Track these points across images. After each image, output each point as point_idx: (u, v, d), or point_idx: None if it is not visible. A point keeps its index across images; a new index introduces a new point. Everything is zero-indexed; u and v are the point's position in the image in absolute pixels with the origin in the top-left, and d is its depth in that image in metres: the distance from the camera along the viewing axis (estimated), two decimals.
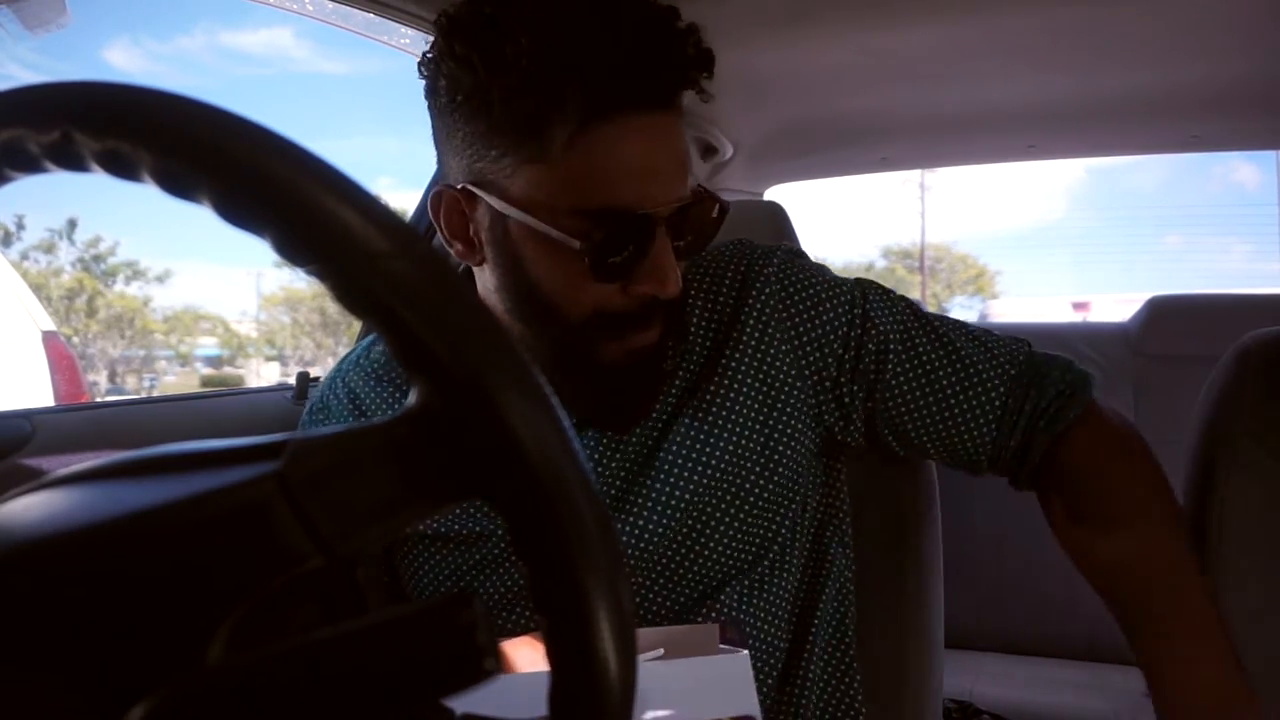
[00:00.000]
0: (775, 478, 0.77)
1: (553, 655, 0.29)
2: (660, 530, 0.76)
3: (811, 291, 0.79)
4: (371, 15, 1.20)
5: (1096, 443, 0.76)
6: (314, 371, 1.34)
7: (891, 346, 0.77)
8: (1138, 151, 2.15)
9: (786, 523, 0.79)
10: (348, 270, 0.28)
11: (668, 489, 0.76)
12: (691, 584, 0.77)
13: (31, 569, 0.28)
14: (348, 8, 1.18)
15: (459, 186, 0.70)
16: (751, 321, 0.78)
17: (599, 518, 0.29)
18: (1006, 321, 2.36)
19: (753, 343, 0.78)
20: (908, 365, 0.77)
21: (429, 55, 0.70)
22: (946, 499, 1.01)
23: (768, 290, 0.79)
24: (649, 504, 0.76)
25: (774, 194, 2.06)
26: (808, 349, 0.78)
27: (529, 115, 0.65)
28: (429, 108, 0.72)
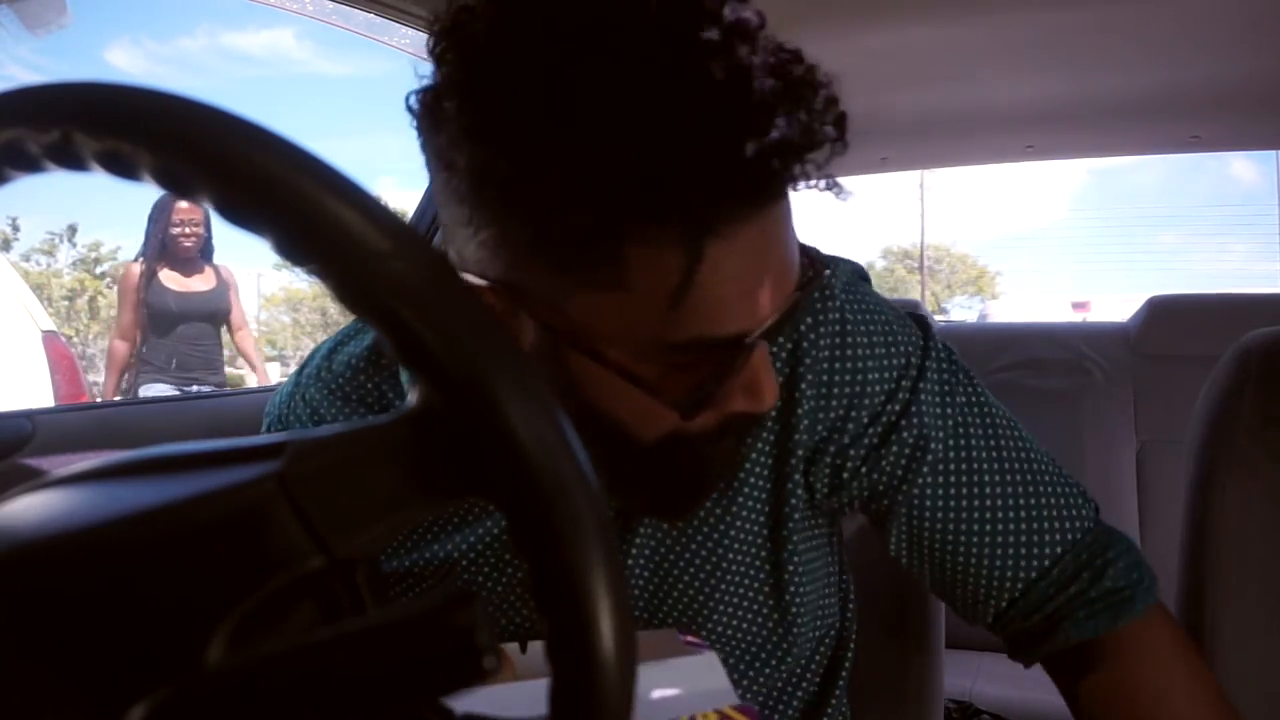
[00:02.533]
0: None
1: (553, 655, 0.29)
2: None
3: (866, 343, 0.64)
4: (372, 15, 1.21)
5: (1154, 657, 0.64)
6: None
7: (933, 448, 0.63)
8: (1138, 151, 2.16)
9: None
10: (348, 270, 0.28)
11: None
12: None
13: (31, 569, 0.28)
14: (348, 8, 1.18)
15: (487, 285, 0.51)
16: (806, 384, 0.64)
17: (598, 518, 0.29)
18: (1006, 321, 2.36)
19: (809, 403, 0.64)
20: (951, 475, 0.64)
21: (427, 94, 0.49)
22: None
23: (824, 332, 0.65)
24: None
25: None
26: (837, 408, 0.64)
27: (596, 234, 0.46)
28: (427, 165, 0.52)
